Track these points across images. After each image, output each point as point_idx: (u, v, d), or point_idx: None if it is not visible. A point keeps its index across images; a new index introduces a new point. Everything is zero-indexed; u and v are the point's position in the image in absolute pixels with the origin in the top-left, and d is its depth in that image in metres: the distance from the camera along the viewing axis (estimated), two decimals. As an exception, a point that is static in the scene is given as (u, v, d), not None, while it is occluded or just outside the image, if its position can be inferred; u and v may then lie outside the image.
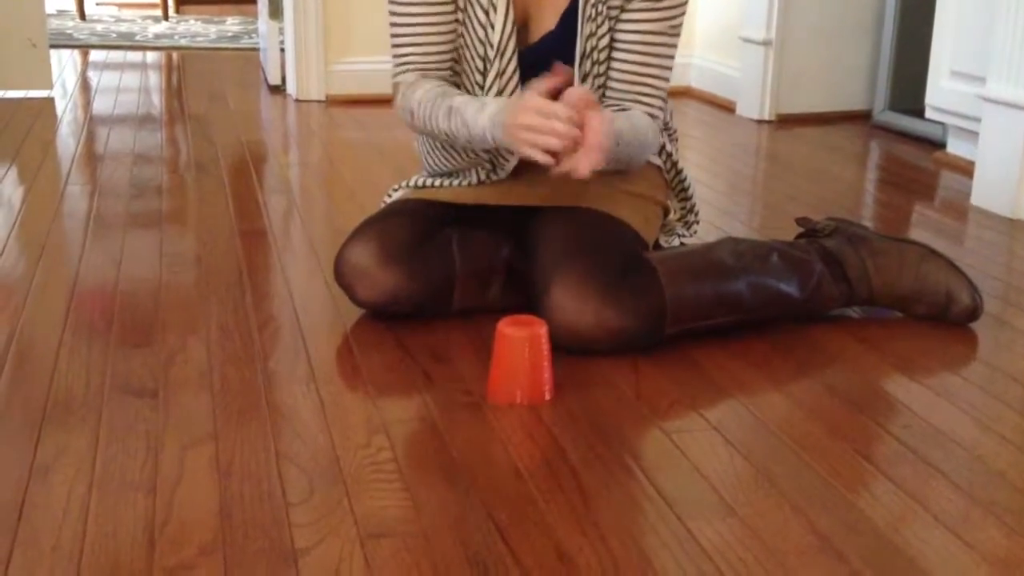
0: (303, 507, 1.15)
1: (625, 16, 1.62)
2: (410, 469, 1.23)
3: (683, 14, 1.64)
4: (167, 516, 1.13)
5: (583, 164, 1.43)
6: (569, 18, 1.63)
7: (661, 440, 1.32)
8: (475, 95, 1.64)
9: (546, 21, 1.64)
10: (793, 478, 1.24)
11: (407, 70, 1.66)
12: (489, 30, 1.59)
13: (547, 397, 1.41)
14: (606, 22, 1.61)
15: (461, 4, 1.62)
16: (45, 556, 1.06)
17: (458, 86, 1.68)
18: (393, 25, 1.65)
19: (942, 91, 2.78)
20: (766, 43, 3.30)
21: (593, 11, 1.60)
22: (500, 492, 1.19)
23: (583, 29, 1.61)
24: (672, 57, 1.66)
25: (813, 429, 1.36)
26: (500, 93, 1.62)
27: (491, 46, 1.60)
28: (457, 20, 1.63)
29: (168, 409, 1.37)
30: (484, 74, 1.62)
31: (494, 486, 1.20)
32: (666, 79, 1.66)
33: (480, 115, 1.53)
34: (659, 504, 1.17)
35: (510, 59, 1.60)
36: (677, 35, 1.65)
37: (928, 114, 2.87)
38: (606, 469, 1.25)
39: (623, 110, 1.64)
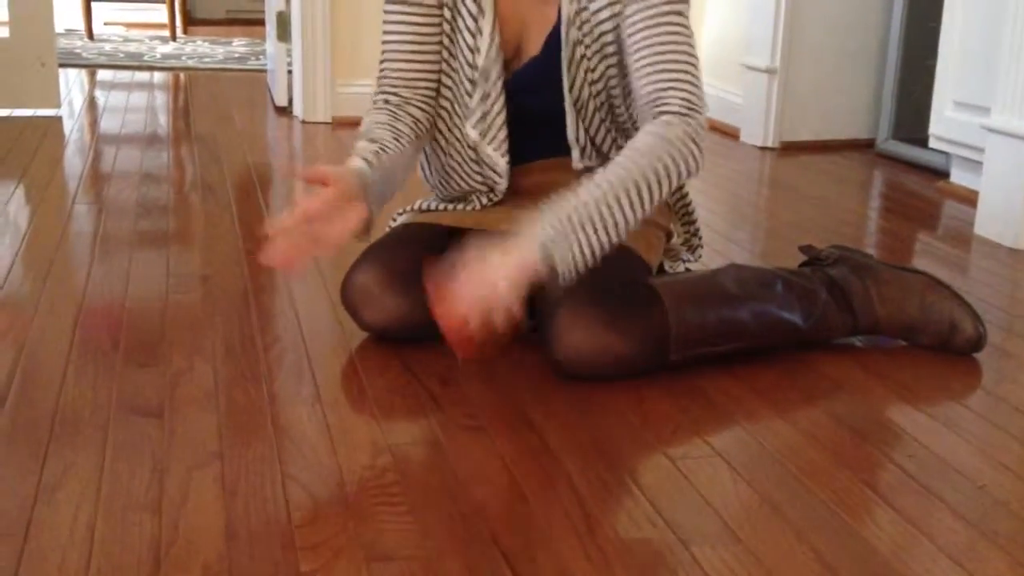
0: (308, 529, 1.15)
1: (626, 24, 1.55)
2: (415, 492, 1.24)
3: (681, 3, 1.54)
4: (173, 536, 1.13)
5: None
6: (553, 43, 1.63)
7: (665, 466, 1.33)
8: (465, 120, 1.66)
9: (532, 46, 1.65)
10: (797, 506, 1.24)
11: (382, 87, 1.67)
12: (476, 54, 1.61)
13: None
14: (594, 45, 1.60)
15: (448, 30, 1.63)
16: (51, 575, 1.06)
17: (437, 115, 1.69)
18: (382, 43, 1.67)
19: (946, 121, 2.79)
20: (770, 71, 3.32)
21: (579, 33, 1.59)
22: (505, 516, 1.19)
23: (566, 53, 1.61)
24: (688, 40, 1.54)
25: (817, 457, 1.36)
26: (484, 117, 1.63)
27: (476, 69, 1.61)
28: (443, 45, 1.64)
29: (174, 429, 1.37)
30: (472, 97, 1.64)
31: (499, 510, 1.21)
32: (691, 61, 1.53)
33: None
34: (663, 530, 1.18)
35: (494, 83, 1.61)
36: (683, 16, 1.54)
37: (932, 143, 2.88)
38: (611, 494, 1.25)
39: (665, 104, 1.52)
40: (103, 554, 1.10)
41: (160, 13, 6.04)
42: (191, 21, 6.37)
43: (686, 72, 1.53)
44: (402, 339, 1.65)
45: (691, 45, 1.55)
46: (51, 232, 2.22)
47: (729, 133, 3.55)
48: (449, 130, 1.69)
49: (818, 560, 1.13)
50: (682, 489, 1.27)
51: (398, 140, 1.59)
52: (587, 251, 1.42)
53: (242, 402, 1.46)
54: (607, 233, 1.43)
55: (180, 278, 1.95)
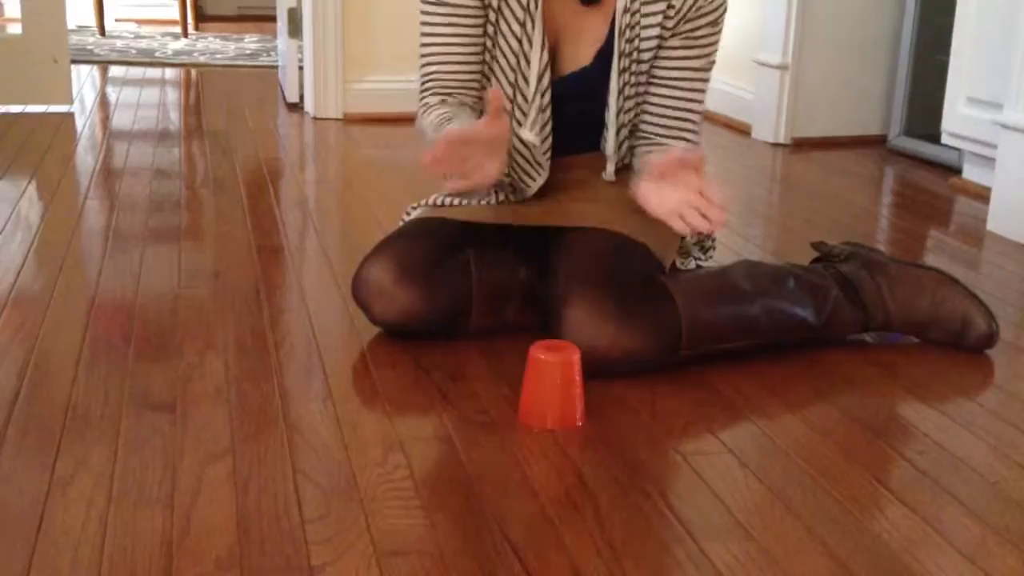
0: (319, 524, 1.15)
1: (663, 53, 1.66)
2: (426, 487, 1.24)
3: (717, 46, 1.69)
4: (185, 531, 1.13)
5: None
6: (604, 54, 1.65)
7: (676, 462, 1.32)
8: (521, 125, 1.68)
9: (580, 55, 1.67)
10: (809, 502, 1.24)
11: (431, 90, 1.68)
12: (522, 60, 1.61)
13: (579, 423, 1.41)
14: (639, 56, 1.64)
15: (492, 32, 1.63)
16: (63, 570, 1.06)
17: (483, 112, 1.70)
18: (422, 45, 1.68)
19: (958, 117, 2.78)
20: (782, 67, 3.31)
21: (628, 46, 1.62)
22: (515, 512, 1.19)
23: (616, 64, 1.63)
24: (706, 91, 1.73)
25: (828, 453, 1.36)
26: (536, 121, 1.64)
27: (526, 80, 1.62)
28: (484, 45, 1.65)
29: (186, 424, 1.38)
30: (513, 102, 1.64)
31: (509, 505, 1.21)
32: (701, 112, 1.74)
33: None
34: (674, 525, 1.18)
35: (545, 91, 1.63)
36: (711, 68, 1.71)
37: (944, 139, 2.87)
38: (621, 490, 1.25)
39: (659, 144, 1.70)
40: (115, 548, 1.10)
41: (172, 9, 6.05)
42: (202, 17, 6.38)
43: (693, 132, 1.75)
44: (413, 334, 1.65)
45: (703, 101, 1.75)
46: (63, 228, 2.22)
47: (741, 129, 3.54)
48: None
49: (829, 556, 1.13)
50: (693, 484, 1.27)
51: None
52: None
53: (253, 397, 1.46)
54: None
55: (191, 274, 1.96)
